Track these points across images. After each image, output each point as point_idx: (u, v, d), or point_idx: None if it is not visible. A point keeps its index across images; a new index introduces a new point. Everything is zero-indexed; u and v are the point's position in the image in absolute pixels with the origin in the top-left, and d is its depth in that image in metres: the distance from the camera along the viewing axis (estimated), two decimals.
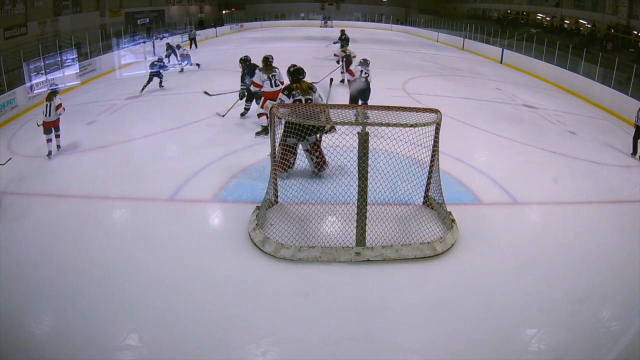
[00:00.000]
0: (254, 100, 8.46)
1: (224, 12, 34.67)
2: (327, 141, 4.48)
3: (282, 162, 5.39)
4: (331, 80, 6.62)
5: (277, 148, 5.29)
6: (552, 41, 16.22)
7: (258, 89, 7.67)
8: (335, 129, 5.06)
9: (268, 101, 7.05)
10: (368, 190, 4.17)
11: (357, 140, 4.12)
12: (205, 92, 9.59)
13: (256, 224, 4.50)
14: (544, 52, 15.88)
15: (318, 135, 5.56)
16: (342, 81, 11.54)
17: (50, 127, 6.86)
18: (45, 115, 6.81)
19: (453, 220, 4.70)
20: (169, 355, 3.17)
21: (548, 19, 25.58)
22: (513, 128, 8.87)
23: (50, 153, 6.87)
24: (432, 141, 4.69)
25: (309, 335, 3.37)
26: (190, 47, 20.46)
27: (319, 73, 12.88)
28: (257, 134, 7.59)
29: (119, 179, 5.98)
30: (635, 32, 18.29)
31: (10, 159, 6.38)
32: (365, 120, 4.21)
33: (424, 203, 5.20)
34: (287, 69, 5.98)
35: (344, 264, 4.16)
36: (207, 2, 33.88)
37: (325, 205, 4.78)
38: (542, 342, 3.39)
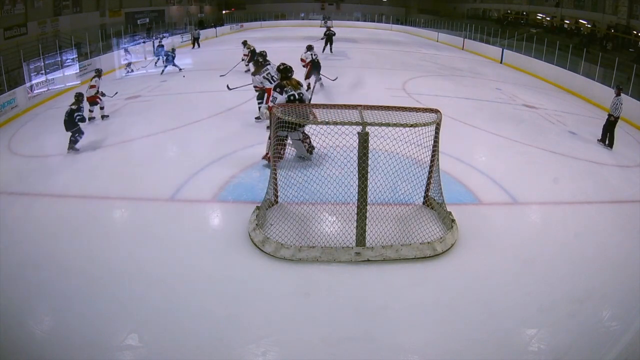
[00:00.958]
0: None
1: (224, 12, 34.68)
2: (328, 141, 4.48)
3: (273, 154, 5.46)
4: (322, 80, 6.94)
5: (267, 141, 5.45)
6: (552, 41, 16.21)
7: (259, 90, 8.27)
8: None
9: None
10: (368, 190, 4.17)
11: (357, 140, 4.11)
12: (227, 87, 9.71)
13: (256, 224, 4.50)
14: (544, 52, 15.88)
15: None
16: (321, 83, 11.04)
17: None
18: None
19: (453, 220, 4.70)
20: (169, 355, 3.17)
21: (548, 19, 25.58)
22: (513, 128, 8.87)
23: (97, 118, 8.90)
24: (432, 141, 4.69)
25: (309, 335, 3.37)
26: (193, 47, 20.52)
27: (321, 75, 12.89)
28: (256, 118, 8.26)
29: (119, 179, 5.98)
30: (635, 32, 18.29)
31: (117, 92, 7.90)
32: (365, 121, 4.21)
33: (424, 203, 5.20)
34: (277, 67, 6.49)
35: (344, 264, 4.16)
36: (207, 2, 33.88)
37: (325, 205, 4.78)
38: (542, 342, 3.39)
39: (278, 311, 3.62)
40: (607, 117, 8.40)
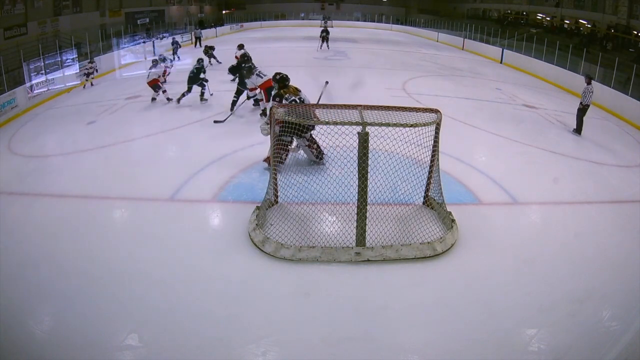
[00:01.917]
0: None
1: (224, 12, 34.69)
2: (328, 141, 4.48)
3: (275, 158, 5.45)
4: (326, 82, 6.79)
5: (271, 144, 5.41)
6: (552, 41, 16.21)
7: (255, 93, 8.72)
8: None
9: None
10: (368, 190, 4.17)
11: (357, 140, 4.11)
12: (215, 121, 8.57)
13: (256, 224, 4.50)
14: (544, 52, 15.88)
15: (312, 132, 5.88)
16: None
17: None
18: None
19: (453, 220, 4.70)
20: (169, 355, 3.17)
21: (548, 19, 25.59)
22: (513, 128, 8.86)
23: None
24: (432, 141, 4.69)
25: (309, 335, 3.37)
26: (195, 46, 20.56)
27: (318, 72, 12.91)
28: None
29: (119, 179, 5.98)
30: (635, 32, 18.29)
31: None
32: (365, 121, 4.21)
33: (424, 203, 5.20)
34: (272, 76, 6.39)
35: (344, 264, 4.16)
36: (207, 2, 33.89)
37: (325, 205, 4.78)
38: (542, 342, 3.39)
39: (278, 311, 3.62)
40: (579, 107, 8.84)
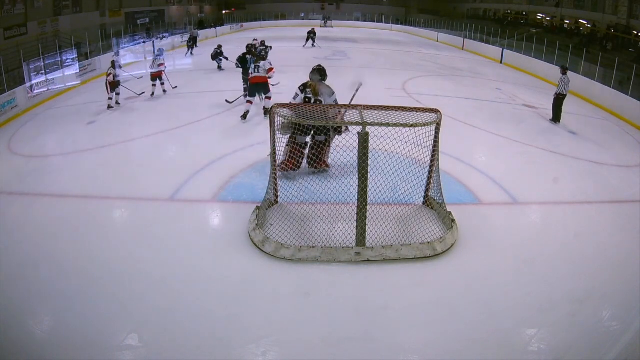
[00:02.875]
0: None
1: (224, 12, 34.69)
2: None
3: (289, 161, 5.43)
4: (360, 83, 6.17)
5: (285, 147, 5.42)
6: (552, 41, 16.22)
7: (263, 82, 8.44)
8: (346, 129, 5.17)
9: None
10: (368, 190, 4.17)
11: (357, 140, 4.11)
12: (227, 101, 9.59)
13: (256, 224, 4.50)
14: (544, 52, 15.88)
15: (328, 136, 5.62)
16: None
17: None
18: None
19: (453, 220, 4.69)
20: (169, 355, 3.17)
21: (548, 19, 25.59)
22: (513, 128, 8.87)
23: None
24: (432, 141, 4.69)
25: (309, 335, 3.37)
26: (195, 46, 20.54)
27: None
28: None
29: (119, 179, 5.98)
30: (635, 32, 18.30)
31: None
32: (365, 121, 4.21)
33: (424, 203, 5.20)
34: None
35: (344, 264, 4.16)
36: (207, 2, 33.89)
37: (325, 205, 4.77)
38: (542, 342, 3.39)
39: (278, 311, 3.62)
40: (554, 96, 9.45)
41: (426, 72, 15.22)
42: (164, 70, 10.74)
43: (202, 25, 26.92)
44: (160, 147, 7.38)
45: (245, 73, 9.50)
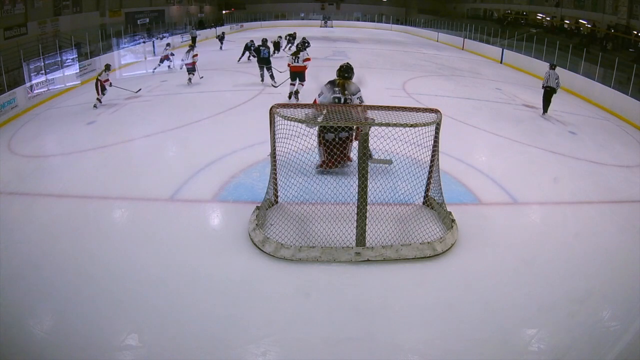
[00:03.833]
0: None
1: (224, 12, 34.67)
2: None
3: (329, 159, 5.48)
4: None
5: (318, 147, 5.50)
6: (552, 41, 16.21)
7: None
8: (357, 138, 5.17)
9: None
10: (368, 190, 4.17)
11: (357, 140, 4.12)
12: (273, 85, 11.45)
13: (256, 224, 4.50)
14: (544, 52, 15.88)
15: (350, 133, 5.64)
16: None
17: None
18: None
19: (453, 220, 4.69)
20: (169, 355, 3.17)
21: (548, 19, 25.58)
22: (513, 128, 8.87)
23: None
24: (432, 141, 4.69)
25: (309, 335, 3.37)
26: (195, 46, 20.53)
27: (319, 73, 12.89)
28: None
29: (119, 179, 5.98)
30: (635, 32, 18.28)
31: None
32: (365, 121, 4.21)
33: (424, 203, 5.20)
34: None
35: (344, 264, 4.16)
36: (207, 2, 33.87)
37: (325, 205, 4.77)
38: (542, 342, 3.39)
39: (278, 311, 3.62)
40: (543, 90, 10.21)
41: (426, 72, 15.22)
42: (196, 60, 11.94)
43: (202, 25, 26.90)
44: (160, 147, 7.38)
45: (260, 62, 11.69)
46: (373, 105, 4.60)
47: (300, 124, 4.44)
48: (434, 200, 5.08)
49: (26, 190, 5.75)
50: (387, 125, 4.23)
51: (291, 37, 19.15)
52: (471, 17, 31.04)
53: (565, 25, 23.71)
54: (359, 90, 5.80)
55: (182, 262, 4.18)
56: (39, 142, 7.90)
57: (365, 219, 4.20)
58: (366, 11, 37.97)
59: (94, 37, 15.98)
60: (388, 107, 4.60)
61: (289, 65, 10.02)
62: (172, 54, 14.84)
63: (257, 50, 11.96)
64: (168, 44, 15.91)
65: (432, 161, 4.89)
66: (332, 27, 33.22)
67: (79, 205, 5.33)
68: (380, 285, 3.96)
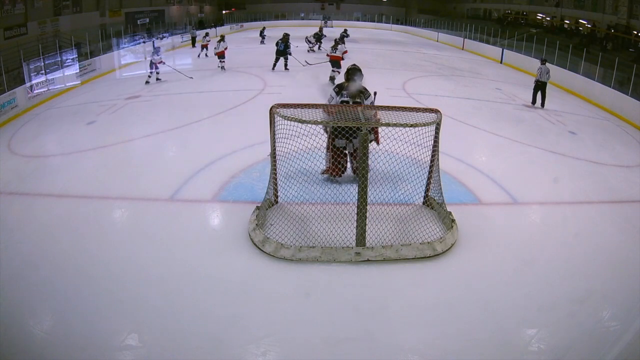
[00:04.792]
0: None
1: (224, 12, 34.68)
2: (325, 142, 4.48)
3: (335, 166, 5.41)
4: (374, 92, 5.84)
5: (326, 153, 5.34)
6: (552, 41, 16.22)
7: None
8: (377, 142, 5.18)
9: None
10: (368, 190, 4.17)
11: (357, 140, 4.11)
12: (306, 62, 13.96)
13: (256, 224, 4.50)
14: (544, 52, 15.86)
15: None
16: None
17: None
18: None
19: (453, 220, 4.69)
20: (169, 355, 3.17)
21: (548, 19, 25.58)
22: (513, 128, 8.87)
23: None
24: (432, 141, 4.69)
25: (309, 335, 3.37)
26: (193, 46, 20.55)
27: (319, 72, 12.92)
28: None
29: (119, 179, 5.98)
30: (635, 32, 18.27)
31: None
32: (365, 121, 4.21)
33: (424, 203, 5.20)
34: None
35: (344, 264, 4.16)
36: (207, 2, 33.87)
37: (325, 205, 4.77)
38: (542, 342, 3.39)
39: (278, 311, 3.62)
40: (534, 83, 10.91)
41: (426, 72, 15.22)
42: (225, 50, 13.97)
43: (202, 25, 26.90)
44: (160, 147, 7.38)
45: (278, 53, 13.71)
46: (373, 106, 4.60)
47: (300, 124, 4.44)
48: (434, 200, 5.08)
49: (26, 190, 5.75)
50: (387, 125, 4.23)
51: (318, 36, 20.24)
52: (471, 17, 31.04)
53: (565, 25, 23.71)
54: (370, 95, 5.54)
55: (182, 262, 4.17)
56: (39, 142, 7.90)
57: (365, 219, 4.20)
58: (366, 11, 37.96)
59: (94, 37, 15.99)
60: (388, 107, 4.60)
61: (327, 55, 12.76)
62: (209, 41, 17.35)
63: (277, 44, 14.06)
64: (207, 34, 17.94)
65: (432, 161, 4.89)
66: (332, 27, 33.19)
67: (79, 205, 5.33)
68: (380, 285, 3.96)
